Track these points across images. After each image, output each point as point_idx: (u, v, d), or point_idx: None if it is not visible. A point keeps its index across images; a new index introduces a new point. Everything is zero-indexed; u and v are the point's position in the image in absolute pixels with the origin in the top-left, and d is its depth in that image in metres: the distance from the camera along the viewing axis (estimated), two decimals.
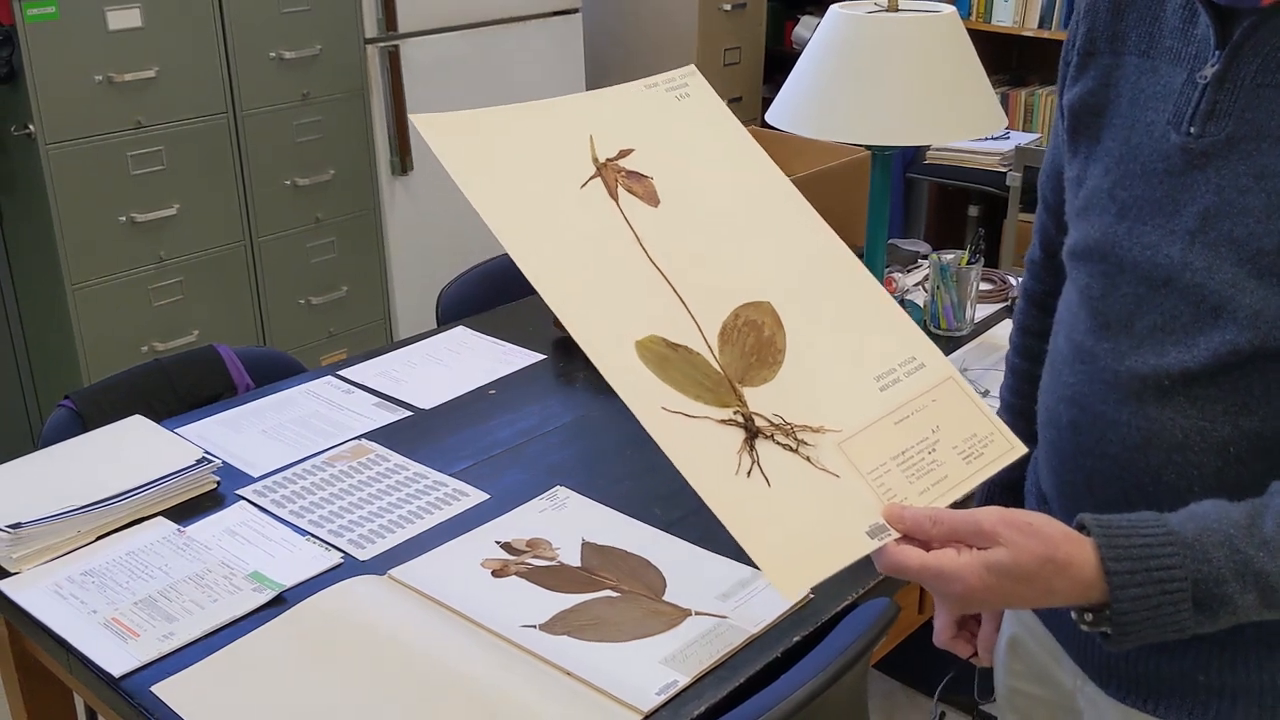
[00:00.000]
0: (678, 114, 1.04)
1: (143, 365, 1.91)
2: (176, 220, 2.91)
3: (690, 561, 1.37)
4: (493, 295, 2.21)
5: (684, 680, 1.18)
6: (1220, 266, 0.88)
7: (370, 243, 3.34)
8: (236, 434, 1.70)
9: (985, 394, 1.78)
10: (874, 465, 0.89)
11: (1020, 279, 1.25)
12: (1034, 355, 1.17)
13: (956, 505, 0.88)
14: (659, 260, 0.93)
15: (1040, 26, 4.07)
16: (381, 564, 1.38)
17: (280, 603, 1.31)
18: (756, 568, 1.32)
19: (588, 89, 3.81)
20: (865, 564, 0.85)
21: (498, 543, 1.41)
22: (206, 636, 1.26)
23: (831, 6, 1.90)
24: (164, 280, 2.92)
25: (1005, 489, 1.16)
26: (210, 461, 1.54)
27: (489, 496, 1.52)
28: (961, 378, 0.97)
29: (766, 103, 3.24)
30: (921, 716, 2.33)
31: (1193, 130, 0.90)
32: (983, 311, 2.10)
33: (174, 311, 2.95)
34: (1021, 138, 3.85)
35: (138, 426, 1.65)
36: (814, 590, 1.28)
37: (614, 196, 0.95)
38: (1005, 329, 2.05)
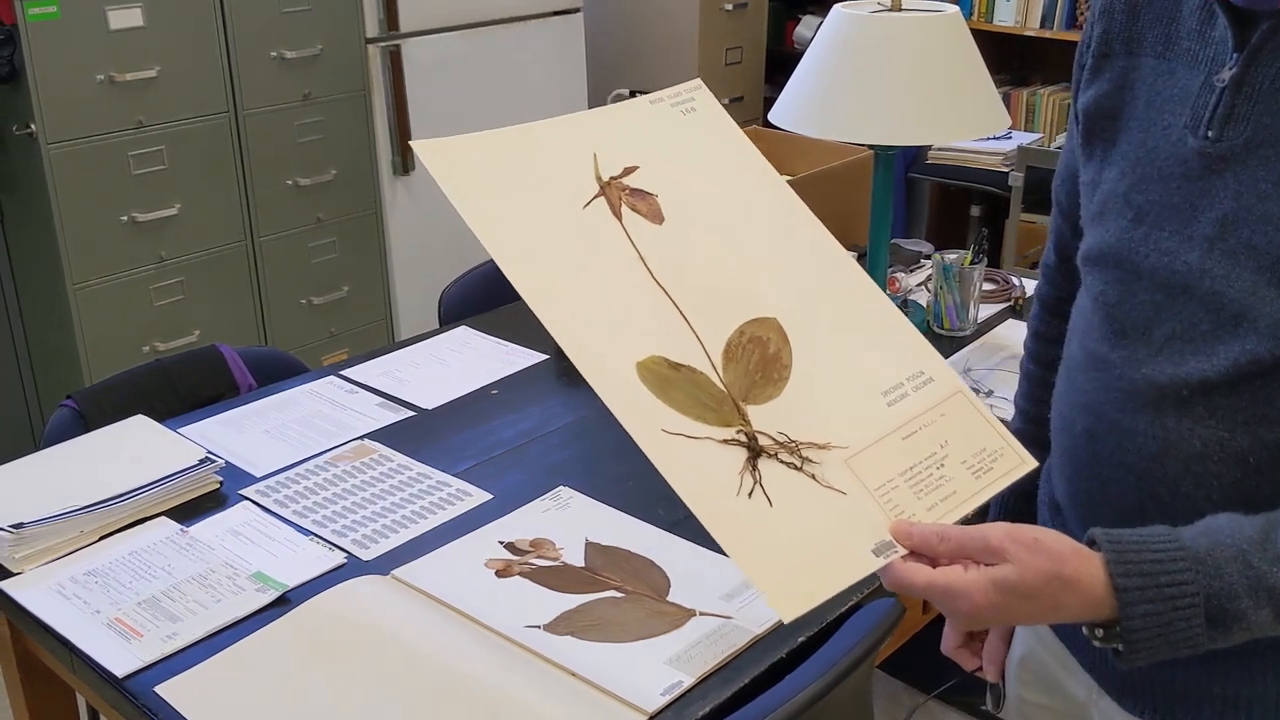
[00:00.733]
0: (683, 129, 1.03)
1: (145, 365, 1.90)
2: (178, 220, 2.90)
3: (694, 562, 1.37)
4: (495, 295, 2.21)
5: (688, 681, 1.18)
6: (1240, 274, 0.86)
7: (372, 243, 3.34)
8: (239, 434, 1.69)
9: (989, 394, 1.78)
10: (881, 482, 0.88)
11: (1035, 283, 1.25)
12: (1049, 361, 1.16)
13: (965, 521, 0.87)
14: (663, 279, 0.92)
15: (1042, 26, 4.07)
16: (385, 564, 1.38)
17: (284, 603, 1.31)
18: None
19: (589, 89, 3.82)
20: None
21: (501, 543, 1.41)
22: (210, 636, 1.26)
23: (834, 6, 1.90)
24: (165, 280, 2.92)
25: (1020, 496, 1.15)
26: (213, 461, 1.54)
27: (492, 496, 1.52)
28: (970, 392, 0.95)
29: (768, 103, 3.24)
30: (926, 718, 2.33)
31: (1210, 134, 0.88)
32: (986, 312, 2.10)
33: (175, 311, 2.95)
34: (1024, 138, 3.84)
35: (140, 426, 1.64)
36: None
37: (617, 215, 0.95)
38: (1008, 329, 2.05)
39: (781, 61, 4.36)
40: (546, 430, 1.70)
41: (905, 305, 2.04)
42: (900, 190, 4.16)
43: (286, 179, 3.10)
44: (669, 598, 1.30)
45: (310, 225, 3.18)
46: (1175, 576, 0.79)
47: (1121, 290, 0.95)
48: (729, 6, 4.15)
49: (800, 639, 1.25)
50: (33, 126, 2.63)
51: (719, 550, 1.42)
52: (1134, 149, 0.95)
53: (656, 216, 0.96)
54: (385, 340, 3.41)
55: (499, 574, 1.35)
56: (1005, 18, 4.13)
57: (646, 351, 0.88)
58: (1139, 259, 0.93)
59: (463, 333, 2.05)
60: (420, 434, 1.70)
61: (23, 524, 1.38)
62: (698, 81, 1.07)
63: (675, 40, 4.13)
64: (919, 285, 2.21)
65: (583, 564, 1.37)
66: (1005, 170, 3.74)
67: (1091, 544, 0.82)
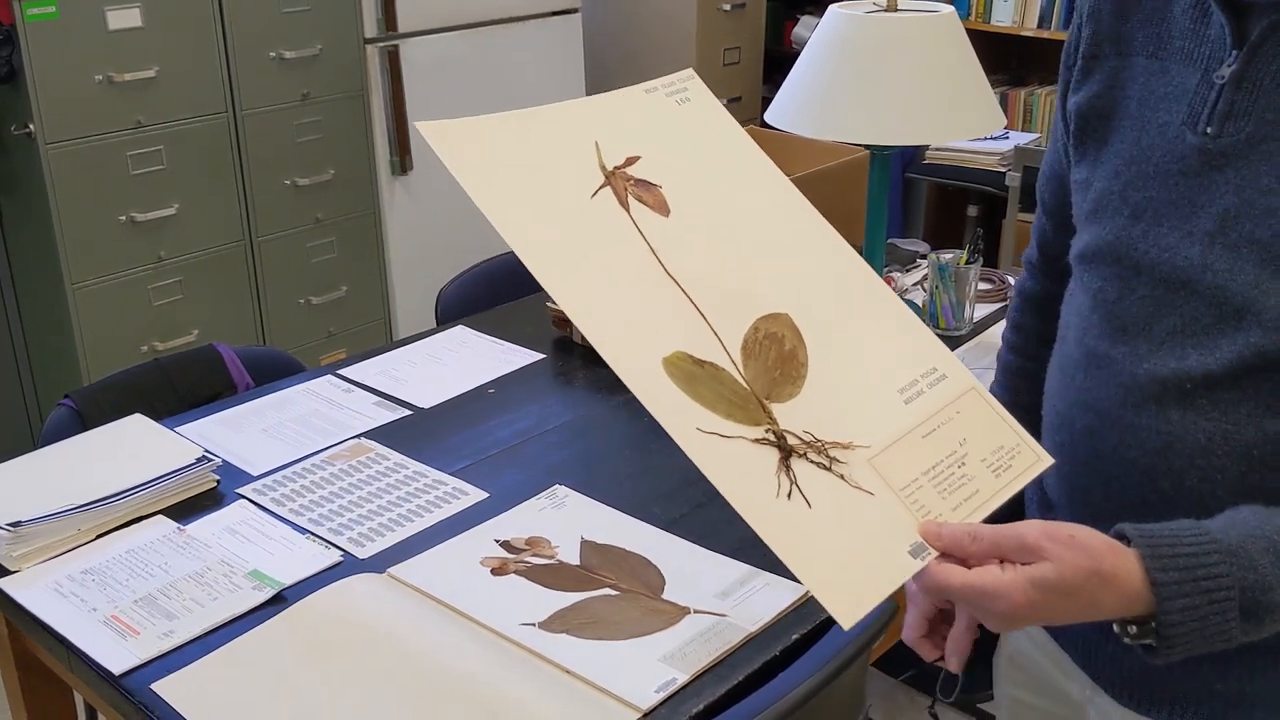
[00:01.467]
0: (679, 119, 1.01)
1: (143, 364, 1.91)
2: (176, 220, 2.91)
3: (689, 560, 1.37)
4: (492, 294, 2.21)
5: (683, 678, 1.18)
6: (1242, 268, 0.86)
7: (370, 243, 3.35)
8: (236, 433, 1.70)
9: None
10: (906, 481, 0.85)
11: (1016, 279, 1.25)
12: (1026, 353, 1.16)
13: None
14: (675, 273, 0.89)
15: (1039, 26, 4.07)
16: (381, 562, 1.39)
17: (280, 601, 1.32)
18: (765, 570, 1.33)
19: (587, 89, 3.82)
20: None
21: (497, 541, 1.42)
22: (206, 634, 1.26)
23: (831, 6, 1.91)
24: (164, 280, 2.92)
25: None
26: (210, 460, 1.55)
27: (488, 495, 1.53)
28: (982, 388, 0.93)
29: (766, 102, 3.24)
30: (920, 716, 2.33)
31: (1210, 130, 0.89)
32: (981, 311, 2.11)
33: (174, 311, 2.96)
34: (1020, 138, 3.85)
35: (138, 425, 1.65)
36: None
37: (625, 206, 0.92)
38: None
39: (780, 62, 4.36)
40: (543, 429, 1.71)
41: None
42: (897, 190, 4.16)
43: (285, 179, 3.10)
44: (663, 596, 1.31)
45: (309, 225, 3.19)
46: (1211, 570, 0.79)
47: (1121, 287, 0.95)
48: (727, 6, 4.16)
49: (794, 636, 1.26)
50: (31, 126, 2.63)
51: (713, 549, 1.42)
52: (1128, 147, 0.95)
53: (662, 208, 0.93)
54: (383, 340, 3.41)
55: (494, 572, 1.35)
56: (1003, 18, 4.13)
57: (671, 347, 0.85)
58: (1138, 255, 0.93)
59: (460, 332, 2.05)
60: (417, 433, 1.70)
61: (20, 522, 1.38)
62: (690, 71, 1.04)
63: (673, 40, 4.13)
64: (915, 285, 2.22)
65: (578, 562, 1.37)
66: (1002, 170, 3.74)
67: (1121, 538, 0.81)
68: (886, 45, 1.81)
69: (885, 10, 1.85)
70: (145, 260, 2.88)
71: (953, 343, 1.98)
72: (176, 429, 1.69)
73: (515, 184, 0.90)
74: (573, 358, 1.92)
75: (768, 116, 1.93)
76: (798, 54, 1.97)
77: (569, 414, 1.75)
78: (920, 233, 4.29)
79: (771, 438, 0.84)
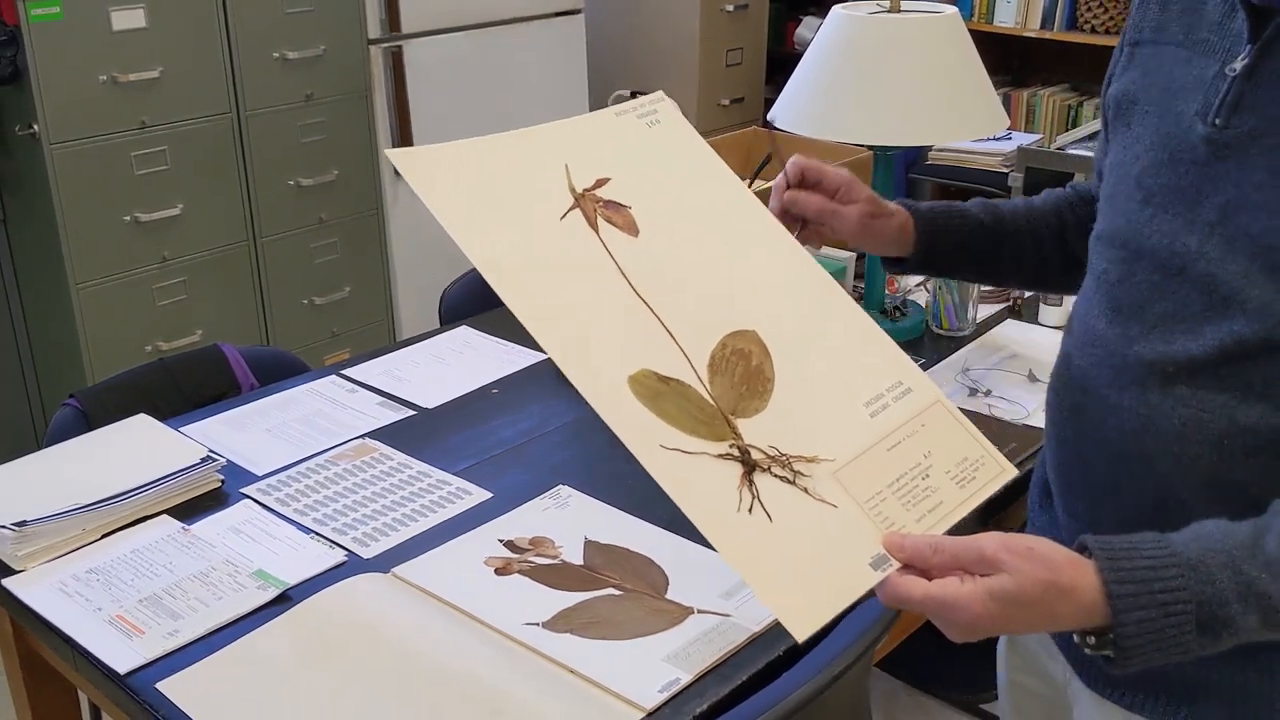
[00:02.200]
0: (649, 141, 1.03)
1: (147, 364, 1.91)
2: (180, 220, 2.91)
3: (693, 560, 1.37)
4: (495, 295, 2.20)
5: (686, 678, 1.18)
6: (1234, 258, 0.88)
7: (373, 243, 3.35)
8: (240, 433, 1.70)
9: (988, 393, 1.79)
10: (870, 494, 0.87)
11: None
12: (1002, 211, 1.22)
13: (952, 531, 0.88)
14: (643, 292, 0.92)
15: (1042, 27, 4.08)
16: (385, 562, 1.39)
17: (284, 600, 1.32)
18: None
19: (590, 89, 3.83)
20: None
21: (501, 541, 1.42)
22: (211, 634, 1.27)
23: (834, 7, 1.91)
24: (168, 280, 2.93)
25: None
26: (214, 460, 1.55)
27: (492, 495, 1.53)
28: (948, 401, 0.96)
29: (768, 104, 3.24)
30: (924, 716, 2.33)
31: (1218, 121, 0.90)
32: (984, 311, 2.11)
33: (178, 311, 2.96)
34: (1023, 138, 3.85)
35: (142, 425, 1.65)
36: None
37: (594, 228, 0.94)
38: (1007, 329, 2.05)
39: (782, 63, 4.36)
40: (546, 429, 1.71)
41: (904, 305, 2.05)
42: (900, 191, 4.16)
43: (289, 179, 3.11)
44: (667, 595, 1.31)
45: (312, 225, 3.19)
46: (1168, 583, 0.80)
47: (1123, 269, 0.97)
48: (730, 8, 4.16)
49: None
50: (35, 127, 2.64)
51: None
52: (1149, 133, 0.97)
53: (631, 229, 0.95)
54: (386, 340, 3.42)
55: (498, 572, 1.36)
56: (1005, 18, 4.13)
57: (636, 365, 0.88)
58: (1142, 239, 0.95)
59: (463, 332, 2.05)
60: (421, 433, 1.70)
61: (25, 522, 1.39)
62: (660, 94, 1.08)
63: (676, 41, 4.14)
64: (918, 285, 2.22)
65: (582, 562, 1.37)
66: (1005, 171, 3.75)
67: (1083, 550, 0.83)
68: (889, 46, 1.81)
69: (888, 11, 1.86)
70: (149, 260, 2.88)
71: (956, 344, 1.98)
72: (181, 429, 1.69)
73: (484, 207, 0.92)
74: None
75: (771, 117, 1.93)
76: (800, 55, 1.98)
77: (572, 414, 1.75)
78: None
79: (735, 453, 0.86)
